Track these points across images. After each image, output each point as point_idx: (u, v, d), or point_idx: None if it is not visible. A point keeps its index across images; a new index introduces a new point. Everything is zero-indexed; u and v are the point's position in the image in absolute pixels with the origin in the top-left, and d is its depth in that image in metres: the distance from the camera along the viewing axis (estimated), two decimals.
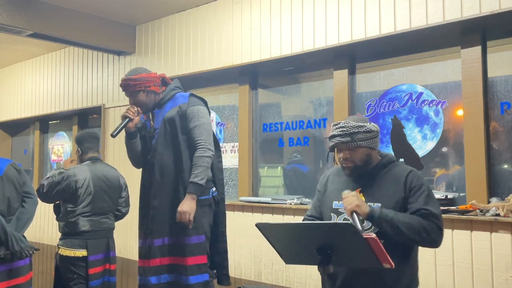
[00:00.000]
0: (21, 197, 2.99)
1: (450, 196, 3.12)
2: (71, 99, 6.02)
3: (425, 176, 3.17)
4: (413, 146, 3.36)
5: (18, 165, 3.05)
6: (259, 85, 4.34)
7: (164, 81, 2.89)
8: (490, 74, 3.05)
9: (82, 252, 3.17)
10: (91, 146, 3.41)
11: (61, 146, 6.58)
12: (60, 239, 3.24)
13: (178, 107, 2.76)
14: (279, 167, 4.26)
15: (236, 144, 4.40)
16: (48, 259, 6.00)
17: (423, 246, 1.95)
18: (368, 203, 1.96)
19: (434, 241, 1.90)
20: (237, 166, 4.35)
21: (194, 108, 2.74)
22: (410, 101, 3.39)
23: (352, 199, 1.90)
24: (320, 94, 3.95)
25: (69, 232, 3.19)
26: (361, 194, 2.02)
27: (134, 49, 5.17)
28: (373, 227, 1.94)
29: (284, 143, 4.17)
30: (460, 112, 3.17)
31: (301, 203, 3.72)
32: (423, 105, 3.34)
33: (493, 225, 2.82)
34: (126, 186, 3.51)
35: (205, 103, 2.84)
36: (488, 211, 2.82)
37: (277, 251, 1.91)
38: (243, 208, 4.09)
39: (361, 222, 1.87)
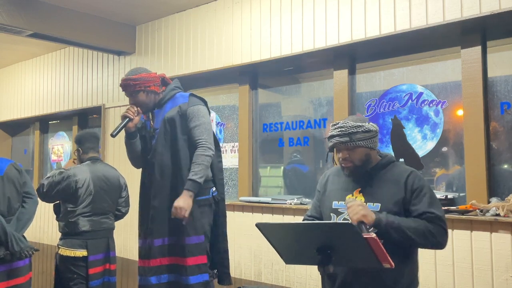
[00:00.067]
0: (22, 198, 2.99)
1: (450, 196, 3.13)
2: (71, 99, 6.02)
3: (425, 176, 3.17)
4: (413, 146, 3.36)
5: (19, 166, 3.05)
6: (259, 85, 4.34)
7: (164, 81, 2.89)
8: (490, 74, 3.05)
9: (82, 252, 3.17)
10: (92, 146, 3.41)
11: (61, 146, 6.58)
12: (60, 239, 3.24)
13: (178, 107, 2.75)
14: (282, 167, 4.26)
15: (236, 144, 4.40)
16: (48, 259, 6.00)
17: (428, 248, 1.95)
18: (368, 203, 1.96)
19: (440, 244, 1.91)
20: (237, 166, 4.35)
21: (194, 108, 2.74)
22: (410, 101, 3.39)
23: (357, 208, 1.85)
24: (320, 94, 3.95)
25: (69, 232, 3.19)
26: (361, 194, 2.02)
27: (134, 49, 5.17)
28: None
29: (284, 143, 4.17)
30: (460, 112, 3.17)
31: (301, 203, 3.72)
32: (423, 105, 3.34)
33: (493, 225, 2.82)
34: (126, 186, 3.51)
35: (205, 103, 2.84)
36: (488, 211, 2.82)
37: (277, 251, 1.91)
38: (243, 208, 4.09)
39: (367, 230, 1.86)
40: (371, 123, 2.05)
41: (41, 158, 6.85)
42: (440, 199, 3.02)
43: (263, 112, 4.31)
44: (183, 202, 2.56)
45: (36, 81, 6.65)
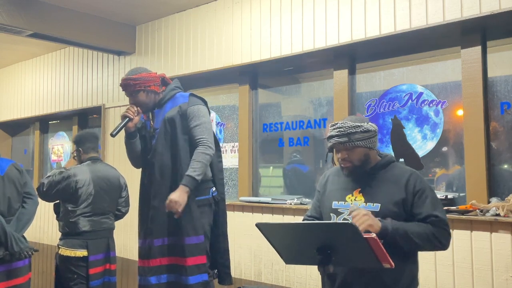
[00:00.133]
0: (22, 198, 2.99)
1: (450, 196, 3.12)
2: (71, 99, 6.02)
3: (425, 176, 3.17)
4: (413, 146, 3.36)
5: (20, 166, 3.05)
6: (259, 85, 4.34)
7: (164, 81, 2.89)
8: (490, 74, 3.05)
9: (82, 252, 3.17)
10: (93, 146, 3.42)
11: (61, 146, 6.58)
12: (60, 239, 3.24)
13: (178, 106, 2.75)
14: (282, 167, 4.26)
15: (236, 144, 4.40)
16: (48, 259, 6.00)
17: (433, 251, 1.96)
18: (368, 203, 1.96)
19: (443, 246, 1.93)
20: (237, 166, 4.35)
21: (195, 107, 2.74)
22: (410, 101, 3.39)
23: (363, 218, 1.83)
24: (320, 94, 3.95)
25: (69, 232, 3.19)
26: (361, 194, 2.02)
27: (134, 49, 5.17)
28: None
29: (284, 143, 4.17)
30: (460, 112, 3.17)
31: (301, 203, 3.72)
32: (423, 105, 3.34)
33: (493, 225, 2.82)
34: (126, 186, 3.51)
35: (205, 102, 2.84)
36: (488, 211, 2.82)
37: (277, 251, 1.91)
38: (243, 208, 4.09)
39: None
40: (370, 123, 2.05)
41: (41, 158, 6.85)
42: (440, 199, 3.01)
43: (263, 112, 4.31)
44: (178, 197, 2.54)
45: (36, 81, 6.65)
